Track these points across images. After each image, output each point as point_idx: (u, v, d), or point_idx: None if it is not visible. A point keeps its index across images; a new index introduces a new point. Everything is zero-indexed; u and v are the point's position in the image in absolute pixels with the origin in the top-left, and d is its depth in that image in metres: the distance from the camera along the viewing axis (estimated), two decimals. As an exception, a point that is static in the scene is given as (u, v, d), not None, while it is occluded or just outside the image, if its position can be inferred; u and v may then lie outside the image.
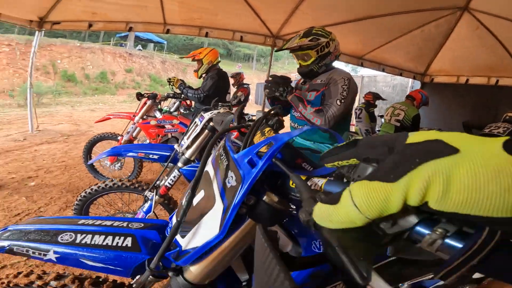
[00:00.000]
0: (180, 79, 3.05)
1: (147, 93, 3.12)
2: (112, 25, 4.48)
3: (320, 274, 0.63)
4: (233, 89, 5.18)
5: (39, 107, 8.63)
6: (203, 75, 3.00)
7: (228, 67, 24.98)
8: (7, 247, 0.79)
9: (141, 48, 22.78)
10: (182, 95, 3.39)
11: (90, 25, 4.38)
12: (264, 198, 0.53)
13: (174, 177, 1.59)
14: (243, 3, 3.71)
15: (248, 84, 4.94)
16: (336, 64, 1.76)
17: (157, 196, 1.57)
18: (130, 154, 1.81)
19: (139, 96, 3.15)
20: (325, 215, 0.27)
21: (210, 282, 0.66)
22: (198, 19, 4.25)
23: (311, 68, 1.64)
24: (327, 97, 1.57)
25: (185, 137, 1.60)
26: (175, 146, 1.68)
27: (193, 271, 0.63)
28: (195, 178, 0.62)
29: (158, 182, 1.64)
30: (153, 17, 4.17)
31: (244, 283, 0.74)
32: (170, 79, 3.08)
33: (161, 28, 4.48)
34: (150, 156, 1.86)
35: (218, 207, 0.61)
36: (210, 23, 4.44)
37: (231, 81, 4.99)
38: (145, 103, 3.08)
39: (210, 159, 0.73)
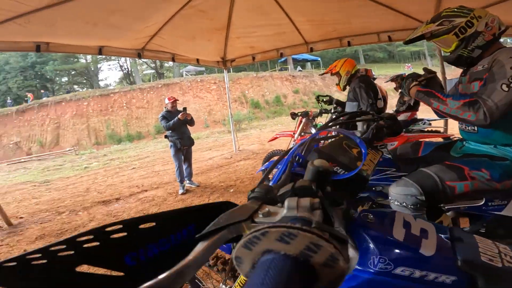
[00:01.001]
0: (330, 108, 3.18)
1: (300, 112, 3.56)
2: (267, 54, 5.58)
3: None
4: (395, 94, 4.75)
5: (239, 131, 11.89)
6: (346, 87, 3.04)
7: (394, 70, 22.74)
8: None
9: (301, 69, 25.34)
10: (332, 110, 3.46)
11: (253, 58, 5.72)
12: None
13: None
14: (373, 4, 3.52)
15: None
16: None
17: None
18: (279, 166, 2.30)
19: (293, 115, 3.65)
20: None
21: None
22: (333, 31, 4.47)
23: (459, 54, 1.36)
24: (488, 82, 1.23)
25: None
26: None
27: None
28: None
29: None
30: (294, 40, 4.83)
31: None
32: (318, 97, 3.32)
33: (305, 48, 5.05)
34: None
35: None
36: (347, 32, 4.52)
37: (393, 84, 4.66)
38: (300, 121, 3.50)
39: None
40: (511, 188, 1.25)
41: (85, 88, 25.08)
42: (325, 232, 0.24)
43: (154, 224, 0.37)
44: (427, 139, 2.67)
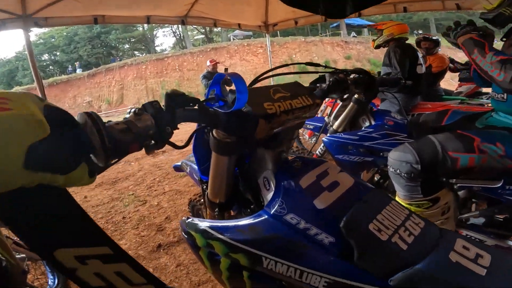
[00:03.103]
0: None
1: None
2: (311, 18, 5.35)
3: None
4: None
5: (283, 98, 11.82)
6: (381, 46, 2.91)
7: (473, 41, 19.33)
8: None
9: (356, 35, 23.08)
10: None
11: (296, 22, 5.60)
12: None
13: (323, 146, 1.60)
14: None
15: None
16: None
17: None
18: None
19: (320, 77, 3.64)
20: None
21: (224, 203, 0.72)
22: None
23: (499, 12, 1.15)
24: None
25: (336, 110, 1.66)
26: (325, 118, 1.76)
27: (208, 190, 0.73)
28: None
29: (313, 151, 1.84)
30: (338, 2, 4.60)
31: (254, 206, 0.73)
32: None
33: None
34: (308, 126, 2.15)
35: None
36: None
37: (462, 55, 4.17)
38: None
39: None
40: None
41: (144, 54, 26.96)
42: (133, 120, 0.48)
43: None
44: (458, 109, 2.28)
